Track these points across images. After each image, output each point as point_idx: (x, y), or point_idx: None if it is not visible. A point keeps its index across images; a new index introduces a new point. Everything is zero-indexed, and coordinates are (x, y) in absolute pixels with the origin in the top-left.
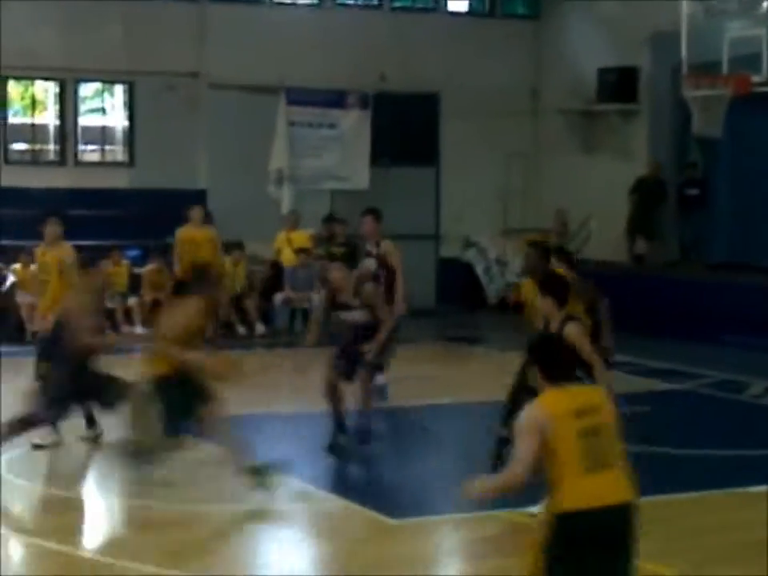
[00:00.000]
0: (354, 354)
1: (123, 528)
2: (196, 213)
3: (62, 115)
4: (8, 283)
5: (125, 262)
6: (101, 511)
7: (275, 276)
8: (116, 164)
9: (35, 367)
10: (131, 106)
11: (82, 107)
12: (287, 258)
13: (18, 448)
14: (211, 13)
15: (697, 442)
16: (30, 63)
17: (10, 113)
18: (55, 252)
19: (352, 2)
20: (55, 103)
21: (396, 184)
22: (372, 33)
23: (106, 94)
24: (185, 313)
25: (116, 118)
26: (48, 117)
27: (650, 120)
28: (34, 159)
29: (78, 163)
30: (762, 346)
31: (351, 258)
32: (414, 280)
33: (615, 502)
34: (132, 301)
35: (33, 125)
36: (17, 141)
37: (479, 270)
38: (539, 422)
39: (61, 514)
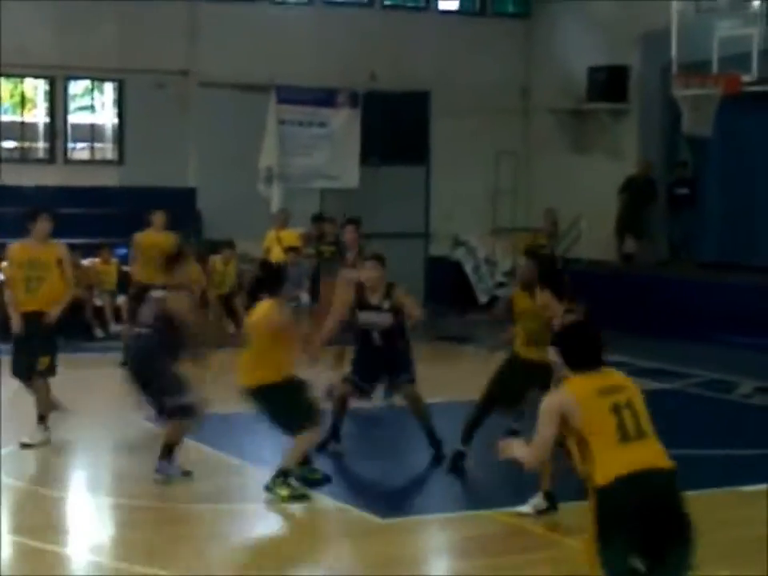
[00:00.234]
0: (379, 367)
1: (113, 527)
2: (158, 218)
3: (51, 113)
4: None
5: (114, 260)
6: (90, 510)
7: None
8: (105, 162)
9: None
10: (121, 104)
11: (72, 105)
12: (276, 256)
13: (7, 447)
14: (201, 11)
15: (687, 441)
16: (20, 61)
17: (0, 110)
18: (51, 249)
19: (343, 0)
20: (45, 101)
21: (386, 183)
22: (362, 31)
23: (95, 92)
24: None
25: (106, 115)
26: (38, 114)
27: (640, 119)
28: (23, 157)
29: (68, 161)
30: (752, 345)
31: (340, 256)
32: (403, 279)
33: (653, 466)
34: (121, 299)
35: (22, 123)
36: (6, 138)
37: (468, 269)
38: (563, 407)
39: (48, 512)
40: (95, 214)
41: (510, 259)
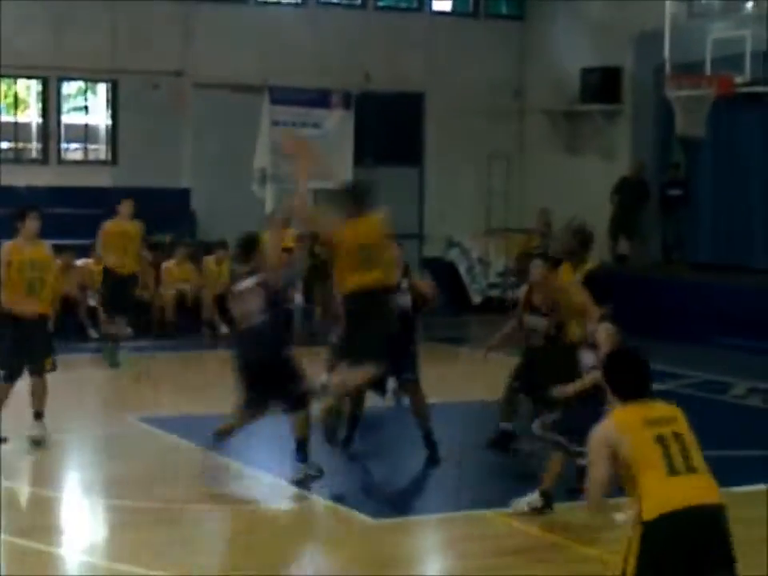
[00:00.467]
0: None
1: (107, 527)
2: (126, 207)
3: (44, 113)
4: None
5: None
6: (83, 510)
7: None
8: (99, 162)
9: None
10: (114, 105)
11: (65, 105)
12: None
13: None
14: (195, 12)
15: None
16: (13, 61)
17: None
18: (45, 248)
19: (336, 2)
20: (38, 101)
21: (380, 184)
22: (356, 32)
23: (89, 93)
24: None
25: (99, 116)
26: (31, 115)
27: (633, 120)
28: (17, 157)
29: (61, 162)
30: (746, 347)
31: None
32: None
33: (701, 502)
34: None
35: (16, 123)
36: (1, 139)
37: (462, 269)
38: (610, 441)
39: (42, 513)
40: (88, 215)
41: (503, 260)
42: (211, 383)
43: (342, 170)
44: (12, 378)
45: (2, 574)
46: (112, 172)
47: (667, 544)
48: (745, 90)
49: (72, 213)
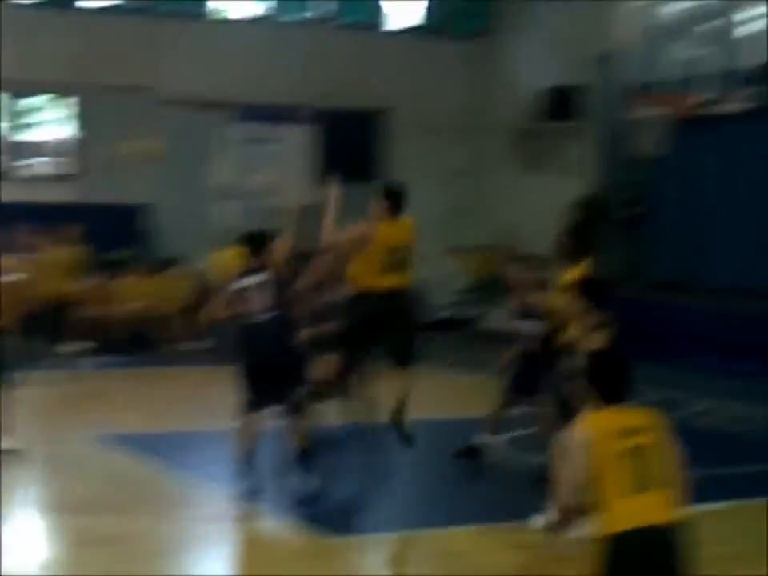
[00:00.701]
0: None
1: (65, 544)
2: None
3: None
4: None
5: None
6: (41, 528)
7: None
8: (60, 177)
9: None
10: (79, 119)
11: (27, 120)
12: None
13: None
14: (159, 28)
15: None
16: None
17: None
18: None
19: (300, 19)
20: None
21: (343, 201)
22: (319, 49)
23: (53, 107)
24: None
25: (61, 131)
26: None
27: (596, 139)
28: None
29: (22, 178)
30: (704, 366)
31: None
32: None
33: (659, 522)
34: None
35: None
36: None
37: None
38: (582, 445)
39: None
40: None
41: (465, 278)
42: (169, 400)
43: (304, 186)
44: None
45: None
46: (74, 187)
47: (625, 562)
48: (706, 109)
49: (33, 229)
